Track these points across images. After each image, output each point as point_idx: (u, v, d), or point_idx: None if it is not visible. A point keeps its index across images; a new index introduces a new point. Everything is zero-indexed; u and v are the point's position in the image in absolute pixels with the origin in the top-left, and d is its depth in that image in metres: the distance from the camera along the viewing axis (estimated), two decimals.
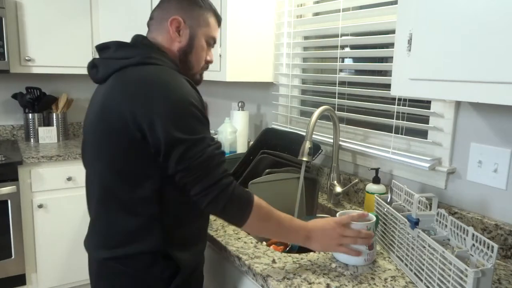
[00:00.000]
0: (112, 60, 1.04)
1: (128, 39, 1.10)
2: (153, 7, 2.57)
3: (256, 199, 1.03)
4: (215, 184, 0.96)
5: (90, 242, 1.11)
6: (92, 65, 1.10)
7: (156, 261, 1.03)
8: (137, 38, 1.11)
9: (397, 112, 1.52)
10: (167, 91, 0.96)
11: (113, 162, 1.00)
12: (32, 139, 2.74)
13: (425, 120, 1.45)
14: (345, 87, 1.76)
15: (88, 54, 2.67)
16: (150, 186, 0.99)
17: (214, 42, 1.19)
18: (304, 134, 1.52)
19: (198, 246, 1.13)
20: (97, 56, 1.10)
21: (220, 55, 2.01)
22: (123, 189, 1.00)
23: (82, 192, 2.48)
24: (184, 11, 1.11)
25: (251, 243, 1.25)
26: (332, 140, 1.70)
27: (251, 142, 2.07)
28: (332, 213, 1.61)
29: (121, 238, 1.02)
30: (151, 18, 1.15)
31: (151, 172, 0.98)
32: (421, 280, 1.01)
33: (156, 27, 1.12)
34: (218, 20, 1.20)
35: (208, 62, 1.20)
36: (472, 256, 0.88)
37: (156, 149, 0.95)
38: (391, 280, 1.05)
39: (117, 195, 1.01)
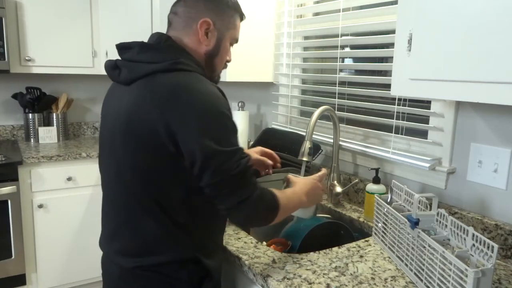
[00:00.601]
0: (137, 63, 0.99)
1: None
2: (153, 6, 2.58)
3: (279, 200, 1.02)
4: (248, 198, 0.95)
5: (112, 248, 1.06)
6: (114, 66, 1.04)
7: (185, 267, 1.02)
8: (160, 38, 1.04)
9: (397, 112, 1.52)
10: (202, 102, 0.92)
11: (143, 171, 0.96)
12: (32, 139, 2.74)
13: (425, 120, 1.45)
14: (345, 87, 1.76)
15: (88, 54, 2.68)
16: (179, 195, 0.98)
17: (236, 42, 1.16)
18: (304, 134, 1.52)
19: (220, 252, 1.15)
20: (110, 56, 1.09)
21: None
22: (153, 198, 0.98)
23: (82, 192, 2.48)
24: (214, 12, 1.06)
25: (251, 243, 1.25)
26: (332, 140, 1.70)
27: (251, 142, 2.07)
28: (332, 213, 1.61)
29: (150, 247, 1.00)
30: (174, 13, 1.08)
31: (181, 181, 0.97)
32: (421, 280, 1.00)
33: (181, 26, 1.06)
34: (242, 20, 1.16)
35: (228, 62, 1.17)
36: (472, 256, 0.88)
37: (190, 161, 0.93)
38: (391, 280, 1.05)
39: (146, 204, 0.98)
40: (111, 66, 1.05)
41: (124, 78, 1.01)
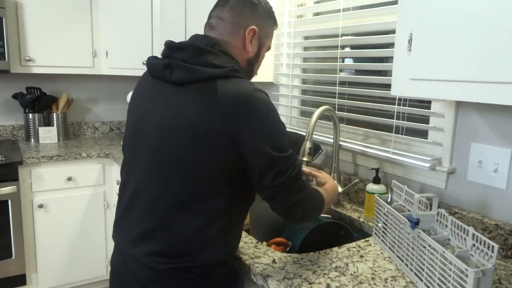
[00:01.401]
0: (194, 66, 0.99)
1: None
2: (153, 6, 2.58)
3: (323, 196, 1.11)
4: (304, 197, 1.02)
5: (143, 250, 1.03)
6: (167, 65, 1.02)
7: (216, 268, 1.05)
8: (213, 43, 1.04)
9: (397, 112, 1.52)
10: (262, 110, 0.97)
11: (197, 175, 0.97)
12: (32, 139, 2.74)
13: (425, 120, 1.45)
14: (345, 87, 1.76)
15: (88, 54, 2.67)
16: (224, 201, 1.00)
17: (269, 50, 1.21)
18: (304, 134, 1.52)
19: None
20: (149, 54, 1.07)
21: None
22: (198, 202, 0.98)
23: (82, 192, 2.48)
24: (260, 20, 1.10)
25: (251, 243, 1.25)
26: (332, 140, 1.70)
27: None
28: (332, 213, 1.61)
29: (185, 250, 1.00)
30: (219, 18, 1.08)
31: (228, 186, 0.99)
32: (422, 280, 1.00)
33: (228, 31, 1.07)
34: (276, 28, 1.21)
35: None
36: (473, 256, 0.88)
37: (252, 167, 0.97)
38: (392, 280, 1.05)
39: (189, 208, 0.99)
40: (163, 64, 1.02)
41: (178, 79, 1.00)
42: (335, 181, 1.26)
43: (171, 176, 0.99)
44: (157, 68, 1.04)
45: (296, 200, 1.00)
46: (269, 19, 1.14)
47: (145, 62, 2.58)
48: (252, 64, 1.14)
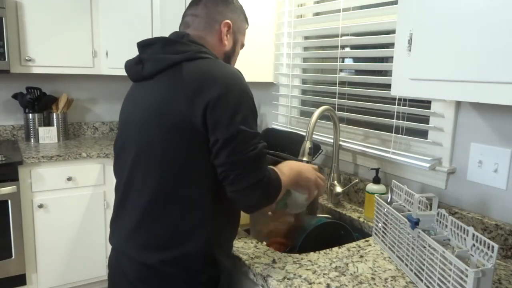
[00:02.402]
0: (161, 55, 1.02)
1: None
2: (153, 6, 2.58)
3: (282, 181, 1.05)
4: (262, 180, 0.97)
5: (133, 244, 1.04)
6: (138, 61, 1.06)
7: (202, 264, 1.03)
8: (182, 35, 1.07)
9: (397, 112, 1.52)
10: (232, 84, 0.96)
11: (173, 162, 0.97)
12: (32, 139, 2.74)
13: (425, 120, 1.45)
14: (345, 87, 1.76)
15: (88, 54, 2.67)
16: (206, 186, 0.99)
17: (243, 47, 1.23)
18: (304, 134, 1.52)
19: (231, 256, 1.16)
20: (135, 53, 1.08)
21: None
22: (179, 189, 0.98)
23: (82, 192, 2.48)
24: (233, 15, 1.14)
25: (251, 243, 1.25)
26: (332, 140, 1.70)
27: None
28: (332, 213, 1.61)
29: (172, 239, 1.00)
30: (194, 15, 1.11)
31: (209, 171, 0.98)
32: (421, 280, 1.00)
33: (202, 26, 1.10)
34: (247, 27, 1.23)
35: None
36: (473, 256, 0.88)
37: (214, 140, 0.94)
38: (391, 280, 1.05)
39: (172, 196, 0.99)
40: (134, 61, 1.07)
41: (149, 71, 1.03)
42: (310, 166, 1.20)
43: (151, 167, 1.00)
44: (130, 67, 1.09)
45: (251, 183, 0.95)
46: (241, 15, 1.18)
47: None
48: (229, 58, 1.16)
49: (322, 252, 1.20)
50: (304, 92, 2.07)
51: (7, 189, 2.20)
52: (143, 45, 1.07)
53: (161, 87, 1.00)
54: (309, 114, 2.02)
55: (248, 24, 1.23)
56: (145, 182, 1.02)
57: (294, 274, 1.06)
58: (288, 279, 1.03)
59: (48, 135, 2.73)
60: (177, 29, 1.15)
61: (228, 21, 1.12)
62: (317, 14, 1.99)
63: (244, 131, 0.95)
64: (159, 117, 0.98)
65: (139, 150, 1.03)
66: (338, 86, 1.77)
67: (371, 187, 1.48)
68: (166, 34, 1.11)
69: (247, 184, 0.95)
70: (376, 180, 1.48)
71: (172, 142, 0.97)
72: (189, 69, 0.98)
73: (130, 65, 1.09)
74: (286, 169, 1.12)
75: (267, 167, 1.01)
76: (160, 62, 1.01)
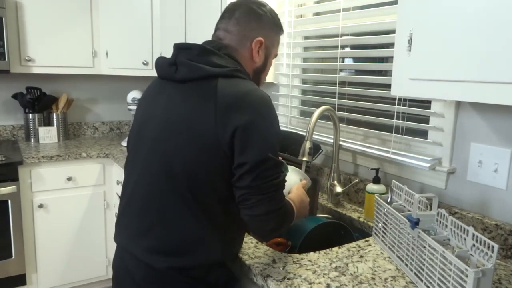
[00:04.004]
0: (196, 64, 1.01)
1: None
2: (153, 7, 2.58)
3: (295, 214, 1.09)
4: (279, 210, 0.99)
5: (141, 245, 1.03)
6: (172, 63, 1.05)
7: (212, 269, 1.03)
8: (219, 46, 1.07)
9: (397, 112, 1.52)
10: (266, 112, 0.97)
11: (194, 168, 0.97)
12: (32, 139, 2.74)
13: (425, 120, 1.45)
14: (345, 87, 1.76)
15: (88, 54, 2.67)
16: (218, 200, 1.00)
17: (276, 56, 1.23)
18: (304, 134, 1.52)
19: (237, 258, 1.17)
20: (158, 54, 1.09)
21: None
22: (196, 196, 0.98)
23: (82, 192, 2.48)
24: (266, 31, 1.12)
25: (251, 243, 1.25)
26: (332, 140, 1.70)
27: None
28: (332, 213, 1.61)
29: (183, 248, 1.00)
30: (226, 31, 1.10)
31: (223, 185, 0.99)
32: (421, 280, 1.00)
33: (235, 42, 1.10)
34: (282, 34, 1.22)
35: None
36: (473, 256, 0.88)
37: (239, 163, 0.95)
38: (391, 280, 1.05)
39: (188, 201, 0.98)
40: (168, 62, 1.06)
41: (182, 76, 1.02)
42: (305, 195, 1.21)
43: (168, 173, 0.99)
44: (163, 66, 1.07)
45: (269, 210, 0.96)
46: (275, 28, 1.16)
47: (145, 62, 2.59)
48: (259, 73, 1.16)
49: (322, 252, 1.20)
50: (304, 92, 2.07)
51: (7, 189, 2.20)
52: (179, 48, 1.06)
53: (193, 96, 0.99)
54: (309, 114, 2.02)
55: (283, 31, 1.21)
56: (159, 187, 1.01)
57: (294, 274, 1.06)
58: (288, 279, 1.03)
59: (48, 135, 2.73)
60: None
61: (260, 38, 1.10)
62: (317, 14, 1.99)
63: (272, 158, 0.96)
64: (184, 125, 0.98)
65: (156, 153, 1.02)
66: (338, 86, 1.77)
67: (371, 187, 1.48)
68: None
69: (266, 211, 0.96)
70: (376, 180, 1.48)
71: (195, 153, 0.97)
72: (225, 87, 0.97)
73: (162, 64, 1.08)
74: (297, 201, 1.14)
75: (284, 198, 1.03)
76: (196, 71, 1.00)
